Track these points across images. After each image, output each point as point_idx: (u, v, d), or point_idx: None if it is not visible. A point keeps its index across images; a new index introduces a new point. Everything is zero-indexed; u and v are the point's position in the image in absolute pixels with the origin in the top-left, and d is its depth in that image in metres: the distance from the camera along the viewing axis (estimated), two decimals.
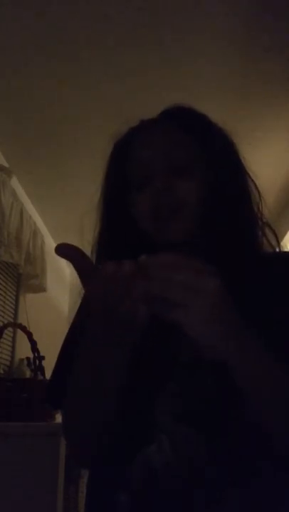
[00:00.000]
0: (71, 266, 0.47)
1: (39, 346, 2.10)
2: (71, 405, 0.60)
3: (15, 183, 2.80)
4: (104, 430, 0.57)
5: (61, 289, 4.01)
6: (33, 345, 2.08)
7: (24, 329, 2.18)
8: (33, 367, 2.11)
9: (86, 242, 0.70)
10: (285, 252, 0.72)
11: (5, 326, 2.24)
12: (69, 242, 0.48)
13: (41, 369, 2.07)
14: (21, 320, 2.86)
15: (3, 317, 2.73)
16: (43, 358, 2.08)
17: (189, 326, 0.44)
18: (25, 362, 2.33)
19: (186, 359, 0.58)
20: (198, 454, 0.53)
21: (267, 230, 0.67)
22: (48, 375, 0.74)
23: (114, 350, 0.52)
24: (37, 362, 2.08)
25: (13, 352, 2.80)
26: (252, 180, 0.68)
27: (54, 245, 0.48)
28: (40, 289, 3.14)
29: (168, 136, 0.65)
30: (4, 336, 2.25)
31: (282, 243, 0.69)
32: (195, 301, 0.43)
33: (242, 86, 2.23)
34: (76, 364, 0.56)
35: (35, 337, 2.12)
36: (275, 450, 0.53)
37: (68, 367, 0.58)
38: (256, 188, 0.67)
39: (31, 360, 2.13)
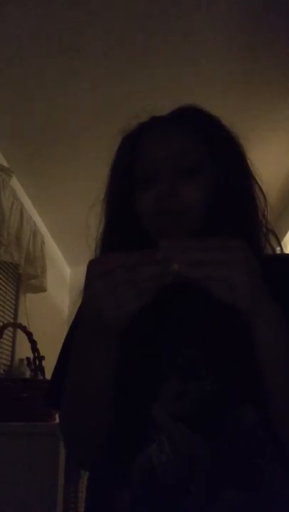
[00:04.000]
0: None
1: (39, 346, 2.10)
2: (66, 405, 0.60)
3: (15, 183, 2.80)
4: (102, 431, 0.57)
5: (61, 289, 4.01)
6: (33, 345, 2.09)
7: (24, 329, 2.18)
8: (33, 367, 2.12)
9: (91, 238, 0.70)
10: (285, 253, 0.72)
11: (5, 326, 2.24)
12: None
13: (41, 369, 2.07)
14: (21, 320, 2.86)
15: (3, 317, 2.72)
16: (43, 358, 2.08)
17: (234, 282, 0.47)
18: (25, 362, 2.33)
19: (185, 360, 0.58)
20: (197, 455, 0.53)
21: (271, 236, 0.67)
22: (48, 375, 0.74)
23: (99, 349, 0.53)
24: (37, 362, 2.08)
25: (13, 352, 2.80)
26: (258, 185, 0.68)
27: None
28: (40, 289, 3.14)
29: (177, 137, 0.65)
30: (4, 336, 2.25)
31: (282, 243, 0.70)
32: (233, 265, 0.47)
33: (243, 86, 2.23)
34: (69, 363, 0.57)
35: (35, 337, 2.12)
36: (280, 437, 0.53)
37: (66, 366, 0.58)
38: (262, 193, 0.67)
39: (31, 360, 2.13)
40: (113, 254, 0.50)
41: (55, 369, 0.69)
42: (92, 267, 0.50)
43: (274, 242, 0.67)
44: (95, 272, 0.49)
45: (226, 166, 0.65)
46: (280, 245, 0.68)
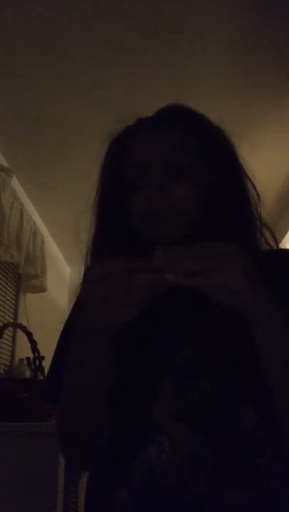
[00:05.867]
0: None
1: (39, 346, 2.10)
2: (66, 405, 0.60)
3: (15, 183, 2.80)
4: (102, 430, 0.57)
5: (61, 289, 4.01)
6: (33, 345, 2.09)
7: (24, 329, 2.18)
8: (33, 367, 2.12)
9: (81, 242, 0.70)
10: (284, 249, 0.72)
11: (5, 326, 2.24)
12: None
13: (41, 369, 2.07)
14: (21, 320, 2.86)
15: (3, 317, 2.72)
16: (43, 358, 2.08)
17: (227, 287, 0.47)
18: (25, 362, 2.33)
19: (184, 360, 0.58)
20: (197, 455, 0.53)
21: (265, 232, 0.66)
22: None
23: (94, 351, 0.53)
24: (37, 362, 2.08)
25: (13, 352, 2.80)
26: (250, 181, 0.67)
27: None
28: (40, 289, 3.14)
29: (166, 137, 0.65)
30: (4, 335, 2.25)
31: (281, 243, 0.70)
32: (226, 274, 0.47)
33: (243, 86, 2.23)
34: (67, 363, 0.57)
35: (35, 337, 2.12)
36: (282, 436, 0.53)
37: (62, 363, 0.58)
38: (255, 189, 0.67)
39: (31, 360, 2.13)
40: (110, 260, 0.50)
41: (51, 367, 0.69)
42: (89, 271, 0.50)
43: (269, 237, 0.67)
44: (91, 278, 0.49)
45: (217, 163, 0.64)
46: (276, 240, 0.67)
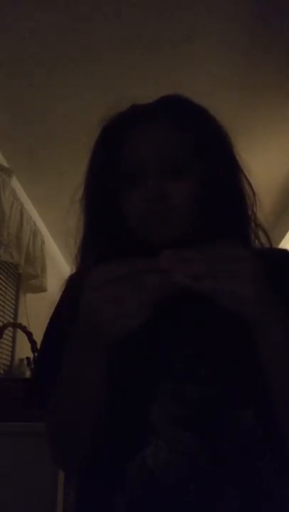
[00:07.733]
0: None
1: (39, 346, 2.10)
2: (66, 405, 0.58)
3: (15, 183, 2.80)
4: (99, 431, 0.57)
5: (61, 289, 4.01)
6: (33, 345, 2.09)
7: (24, 329, 2.18)
8: (33, 367, 2.11)
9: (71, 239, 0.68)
10: (282, 249, 0.71)
11: (5, 326, 2.24)
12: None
13: None
14: (21, 320, 2.85)
15: (3, 317, 2.72)
16: None
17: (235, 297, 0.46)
18: (25, 362, 2.33)
19: (184, 361, 0.58)
20: (196, 455, 0.53)
21: (260, 233, 0.65)
22: None
23: (89, 359, 0.52)
24: None
25: (13, 352, 2.80)
26: (247, 180, 0.65)
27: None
28: (40, 289, 3.14)
29: (163, 133, 0.62)
30: (4, 335, 2.25)
31: (281, 243, 0.69)
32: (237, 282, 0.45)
33: (242, 86, 2.22)
34: (62, 372, 0.56)
35: (35, 337, 2.12)
36: (283, 437, 0.52)
37: (49, 366, 0.57)
38: (251, 188, 0.65)
39: (31, 360, 2.13)
40: (114, 263, 0.48)
41: (38, 368, 0.69)
42: (94, 276, 0.48)
43: (262, 237, 0.65)
44: (97, 283, 0.47)
45: (214, 159, 0.62)
46: (270, 241, 0.66)
